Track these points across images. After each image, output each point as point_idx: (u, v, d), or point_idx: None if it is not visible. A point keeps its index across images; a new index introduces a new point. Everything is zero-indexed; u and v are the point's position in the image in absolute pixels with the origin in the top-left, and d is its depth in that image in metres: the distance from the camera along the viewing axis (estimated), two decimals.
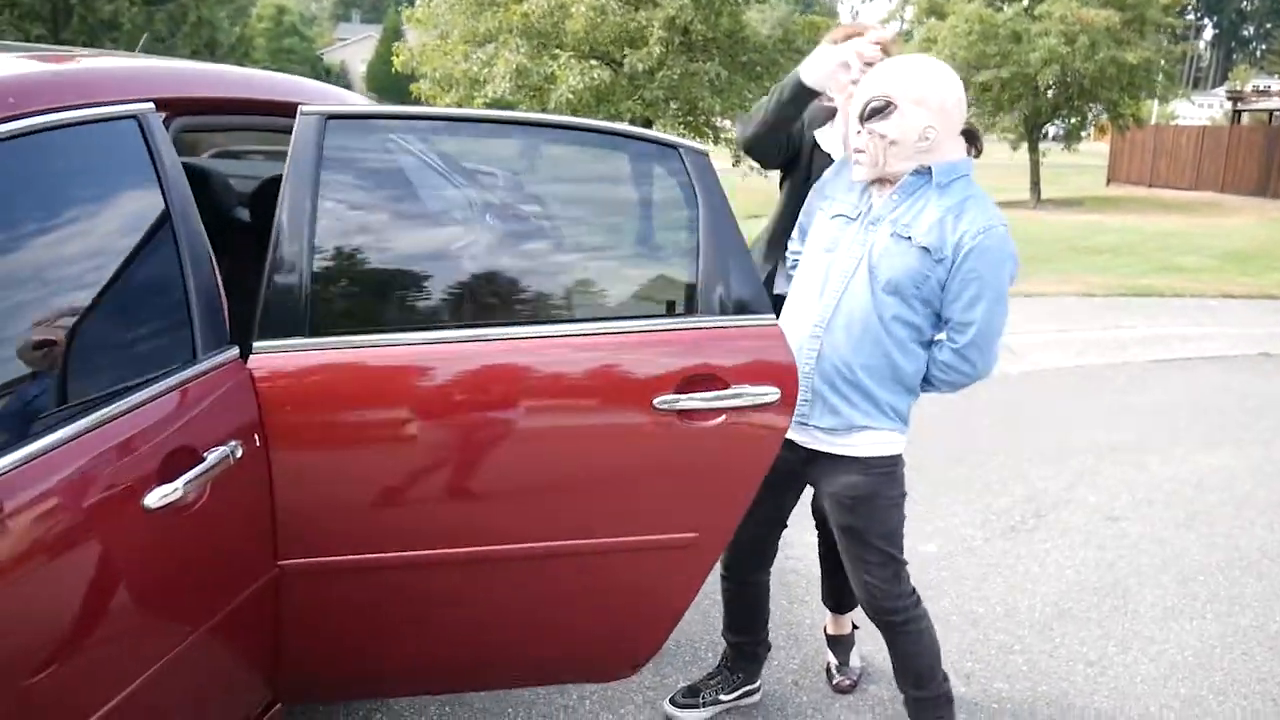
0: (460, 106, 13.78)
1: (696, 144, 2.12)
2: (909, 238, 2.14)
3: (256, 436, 1.81)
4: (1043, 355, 7.07)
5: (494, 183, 2.17)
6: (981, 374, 2.24)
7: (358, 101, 2.59)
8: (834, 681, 2.89)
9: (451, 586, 2.06)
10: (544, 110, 13.00)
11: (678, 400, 1.97)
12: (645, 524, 2.07)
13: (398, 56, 14.29)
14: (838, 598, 2.87)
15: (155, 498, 1.58)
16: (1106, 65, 19.06)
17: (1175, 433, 5.42)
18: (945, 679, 2.49)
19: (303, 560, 1.92)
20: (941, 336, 2.24)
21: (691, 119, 13.99)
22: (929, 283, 2.15)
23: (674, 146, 2.07)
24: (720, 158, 16.85)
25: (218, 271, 1.84)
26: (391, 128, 2.06)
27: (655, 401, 1.97)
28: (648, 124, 13.74)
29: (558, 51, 12.50)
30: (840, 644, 2.92)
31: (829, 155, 2.62)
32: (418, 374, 1.94)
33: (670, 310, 2.09)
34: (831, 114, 2.63)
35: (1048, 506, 4.30)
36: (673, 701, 2.74)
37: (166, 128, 1.89)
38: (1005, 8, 20.07)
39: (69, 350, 1.57)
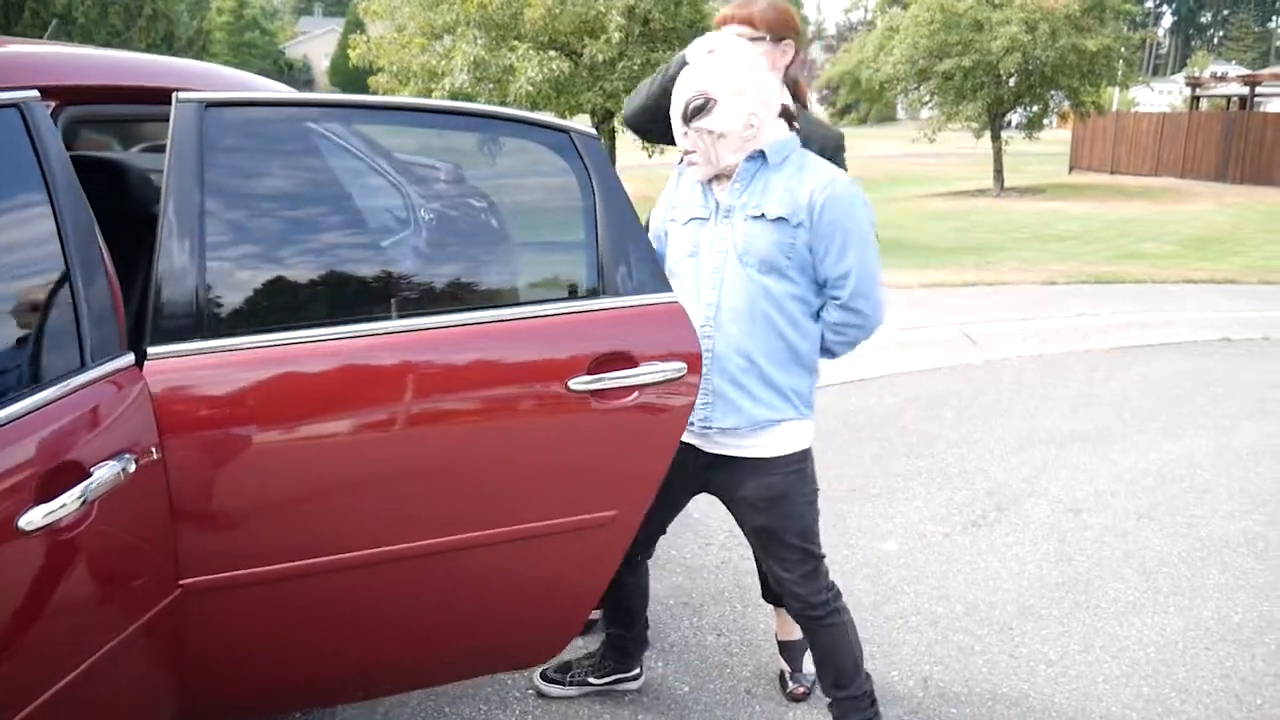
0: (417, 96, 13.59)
1: (586, 127, 2.10)
2: (762, 215, 2.20)
3: (154, 449, 1.68)
4: (1005, 344, 7.02)
5: (388, 171, 2.09)
6: (874, 324, 2.27)
7: (278, 90, 2.44)
8: (787, 690, 2.80)
9: (369, 589, 1.97)
10: (503, 102, 12.84)
11: (593, 381, 1.97)
12: (565, 507, 2.06)
13: (354, 50, 14.07)
14: (774, 591, 2.79)
15: (31, 518, 1.44)
16: (1067, 53, 19.13)
17: (1138, 421, 5.38)
18: (868, 678, 2.48)
19: (206, 578, 1.79)
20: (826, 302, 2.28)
21: None
22: (796, 250, 2.19)
23: (565, 131, 2.05)
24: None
25: (112, 274, 1.71)
26: (278, 115, 1.93)
27: (571, 384, 1.96)
28: (609, 115, 13.61)
29: (516, 43, 12.31)
30: (791, 650, 2.83)
31: None
32: (319, 372, 1.84)
33: (575, 294, 2.06)
34: None
35: (1009, 500, 4.23)
36: (543, 675, 2.78)
37: (55, 118, 1.76)
38: None
39: None
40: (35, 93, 1.67)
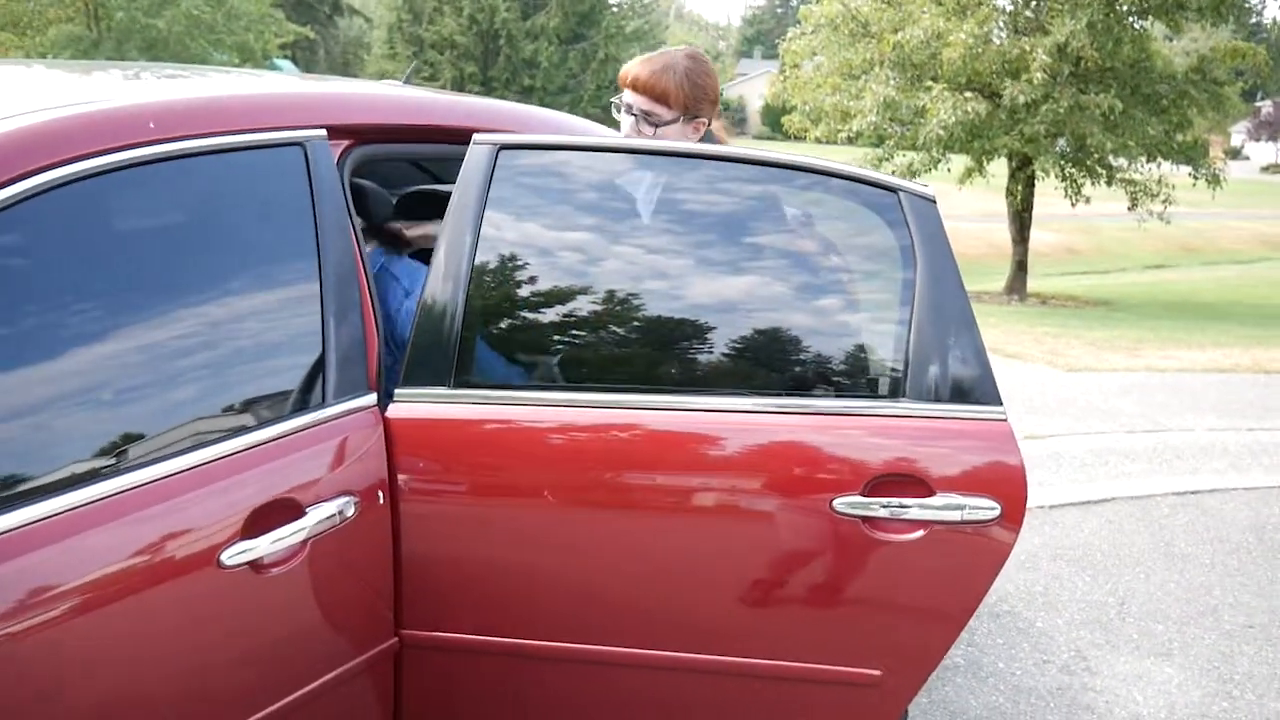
0: (824, 140, 13.52)
1: (921, 187, 1.75)
2: None
3: (381, 493, 1.65)
4: None
5: (678, 226, 1.88)
6: None
7: (604, 134, 2.37)
8: None
9: (570, 687, 1.81)
10: (913, 145, 12.40)
11: (865, 504, 1.62)
12: (811, 650, 1.73)
13: (771, 89, 14.28)
14: None
15: (233, 553, 1.45)
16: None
17: None
18: None
19: (429, 633, 1.74)
20: None
21: (1080, 156, 12.71)
22: None
23: (893, 190, 1.73)
24: (1115, 199, 15.24)
25: (370, 316, 1.71)
26: (575, 161, 1.84)
27: (836, 503, 1.62)
28: (1026, 161, 12.68)
29: (931, 84, 11.84)
30: None
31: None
32: (570, 440, 1.72)
33: (868, 390, 1.72)
34: None
35: None
36: None
37: (346, 156, 1.80)
38: None
39: (181, 381, 1.50)
40: (321, 131, 1.71)
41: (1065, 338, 9.20)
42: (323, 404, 1.62)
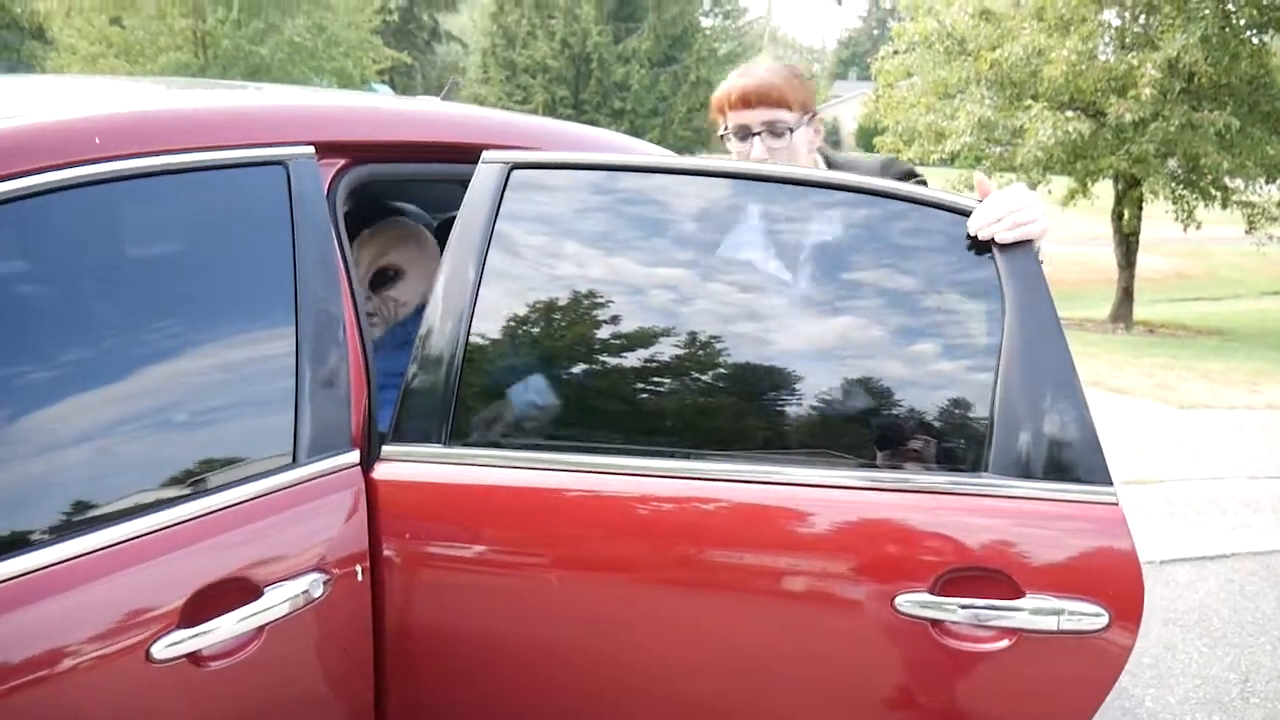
0: (918, 162, 13.05)
1: None
2: None
3: (360, 570, 1.41)
4: None
5: (716, 258, 1.59)
6: None
7: (648, 151, 2.10)
8: None
9: None
10: (1010, 167, 11.85)
11: (936, 604, 1.34)
12: None
13: (864, 109, 13.87)
14: None
15: (166, 645, 1.22)
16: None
17: None
18: None
19: None
20: None
21: (1192, 177, 12.00)
22: None
23: (969, 214, 1.44)
24: (1230, 223, 14.40)
25: (358, 359, 1.48)
26: (599, 183, 1.58)
27: (898, 601, 1.34)
28: (1134, 182, 12.01)
29: (1030, 103, 11.29)
30: None
31: None
32: (581, 511, 1.46)
33: (941, 460, 1.40)
34: None
35: None
36: None
37: (341, 177, 1.58)
38: None
39: (114, 437, 1.28)
40: (308, 149, 1.50)
41: (1176, 370, 8.60)
42: (292, 464, 1.39)
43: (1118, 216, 13.24)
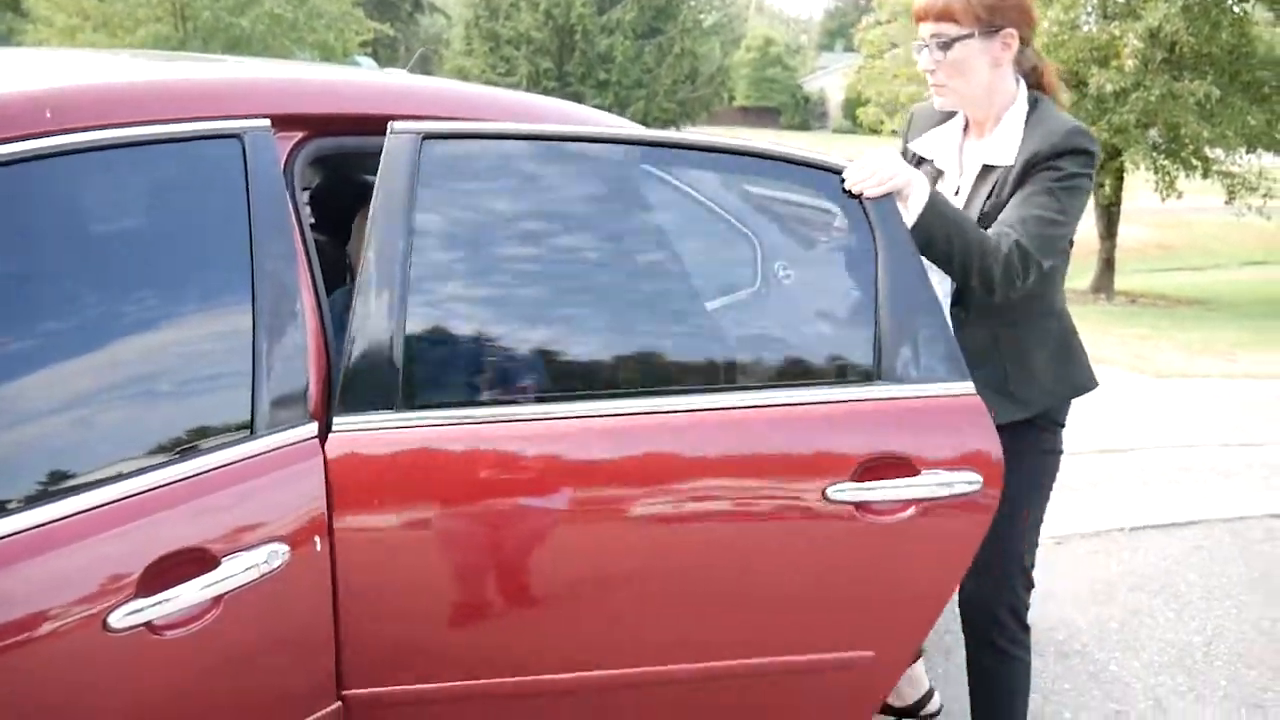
0: (896, 133, 13.04)
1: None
2: None
3: (319, 539, 1.43)
4: None
5: (624, 216, 1.70)
6: None
7: (602, 121, 2.11)
8: None
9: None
10: None
11: (858, 490, 1.60)
12: (810, 640, 1.70)
13: (847, 81, 13.88)
14: None
15: (123, 614, 1.24)
16: None
17: None
18: None
19: (376, 690, 1.52)
20: None
21: (1173, 147, 12.03)
22: None
23: (838, 172, 1.67)
24: (1211, 193, 14.46)
25: (317, 333, 1.49)
26: (506, 151, 1.61)
27: (829, 491, 1.58)
28: (1115, 153, 12.04)
29: None
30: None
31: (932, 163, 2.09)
32: (536, 457, 1.53)
33: (843, 377, 1.69)
34: (938, 119, 2.10)
35: None
36: None
37: (299, 150, 1.59)
38: None
39: (69, 409, 1.30)
40: (263, 122, 1.50)
41: (1155, 340, 8.68)
42: (250, 436, 1.41)
43: (1098, 187, 13.31)
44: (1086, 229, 15.30)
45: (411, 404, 1.49)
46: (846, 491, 1.59)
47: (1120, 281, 14.01)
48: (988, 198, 1.92)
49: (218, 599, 1.32)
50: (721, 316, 1.73)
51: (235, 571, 1.33)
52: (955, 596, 2.07)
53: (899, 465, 1.61)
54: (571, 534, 1.55)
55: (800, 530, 1.62)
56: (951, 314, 1.88)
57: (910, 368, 1.64)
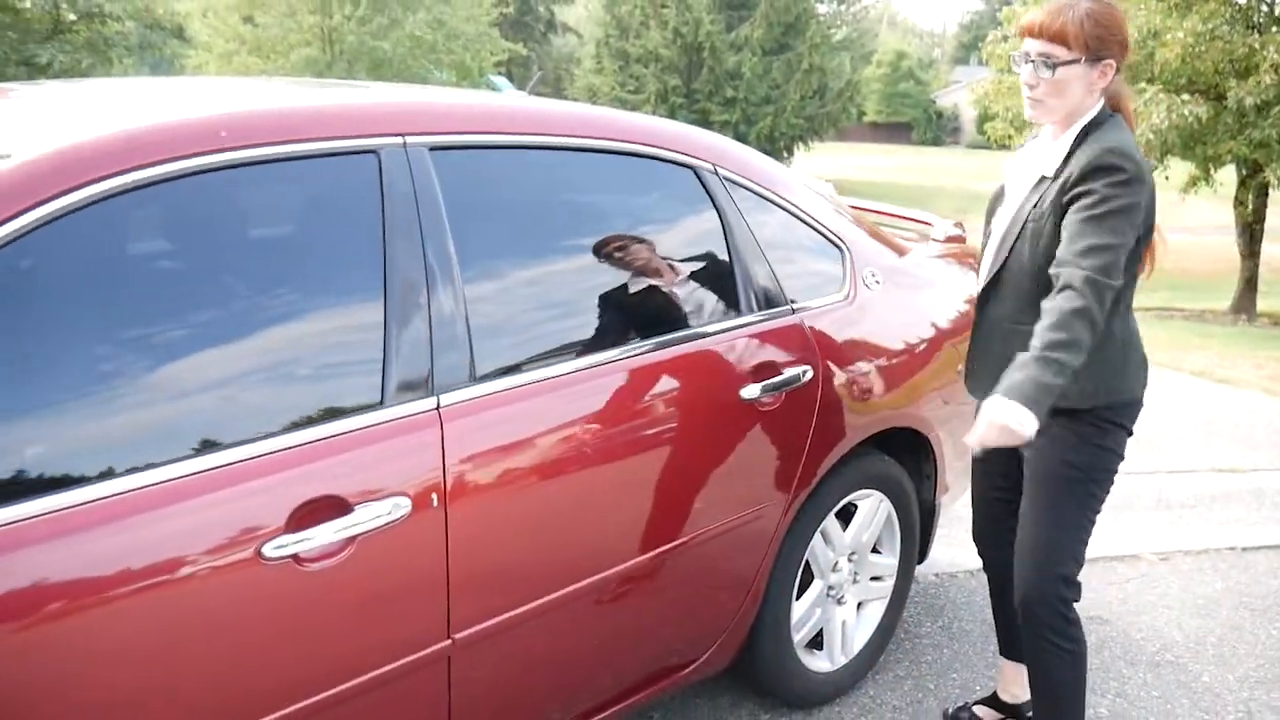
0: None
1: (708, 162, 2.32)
2: None
3: (435, 496, 1.67)
4: None
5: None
6: None
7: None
8: None
9: (593, 610, 2.04)
10: None
11: (755, 388, 2.24)
12: (734, 506, 2.27)
13: (971, 95, 13.70)
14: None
15: (276, 546, 1.50)
16: None
17: None
18: None
19: (479, 627, 1.77)
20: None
21: None
22: None
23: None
24: None
25: (456, 321, 1.76)
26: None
27: (742, 394, 2.22)
28: (1257, 169, 11.56)
29: (1145, 86, 10.98)
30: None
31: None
32: (564, 402, 1.92)
33: (729, 313, 2.29)
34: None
35: None
36: None
37: (425, 161, 1.83)
38: None
39: (238, 379, 1.57)
40: (397, 140, 1.76)
41: None
42: (380, 404, 1.66)
43: (1240, 203, 12.78)
44: (1234, 248, 14.61)
45: (480, 377, 1.79)
46: (751, 392, 2.22)
47: (1264, 304, 13.38)
48: (1034, 206, 2.10)
49: (350, 540, 1.57)
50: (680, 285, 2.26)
51: (366, 519, 1.58)
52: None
53: (774, 369, 2.29)
54: (591, 461, 1.94)
55: (731, 427, 2.23)
56: (1009, 315, 2.17)
57: (757, 301, 2.33)
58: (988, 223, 2.29)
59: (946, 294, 2.82)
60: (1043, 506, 2.16)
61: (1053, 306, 1.89)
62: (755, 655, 2.46)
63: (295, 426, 1.57)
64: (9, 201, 1.36)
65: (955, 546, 3.85)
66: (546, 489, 1.85)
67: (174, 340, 1.52)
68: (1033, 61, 2.04)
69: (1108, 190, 1.94)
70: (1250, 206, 12.64)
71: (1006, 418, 1.81)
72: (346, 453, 1.60)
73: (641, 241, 2.18)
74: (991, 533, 2.49)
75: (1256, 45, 10.13)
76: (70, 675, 1.35)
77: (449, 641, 1.73)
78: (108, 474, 1.39)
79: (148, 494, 1.41)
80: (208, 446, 1.49)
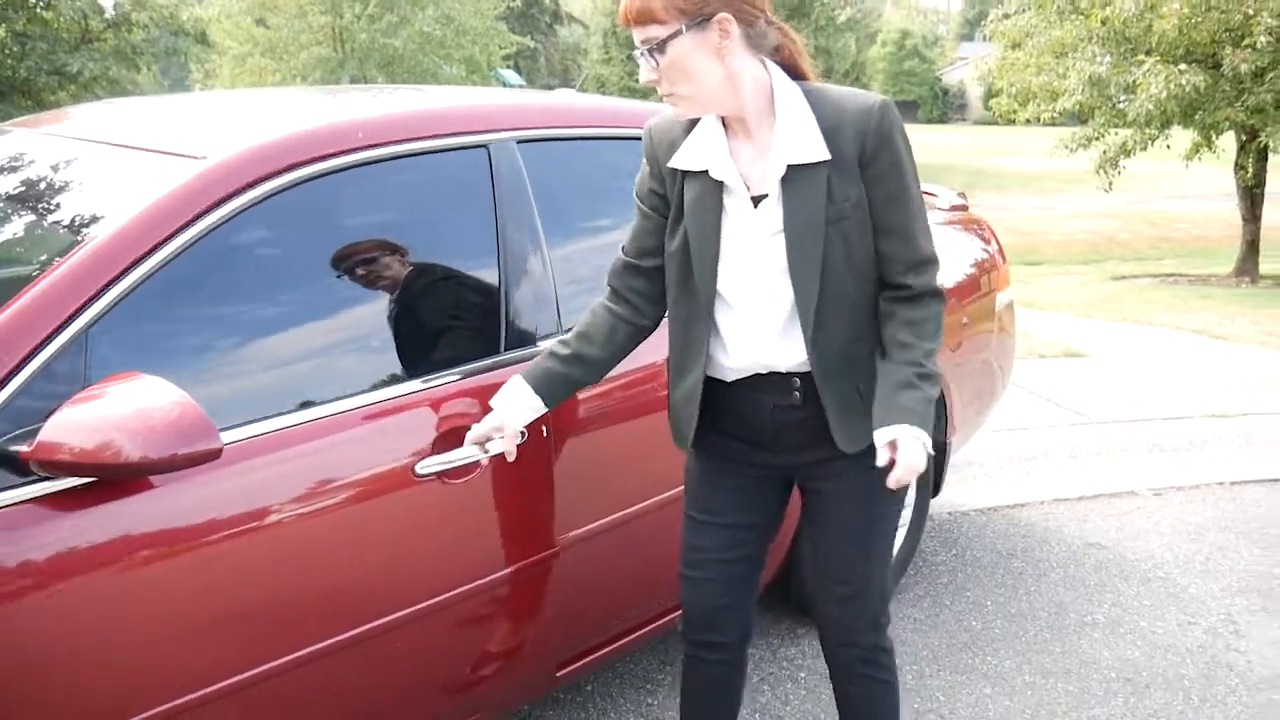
0: (1034, 121, 13.12)
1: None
2: None
3: (545, 427, 2.05)
4: None
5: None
6: None
7: None
8: None
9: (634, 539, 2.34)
10: (1124, 123, 11.87)
11: None
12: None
13: (977, 71, 14.01)
14: None
15: (426, 465, 1.91)
16: None
17: None
18: None
19: (576, 532, 2.17)
20: None
21: None
22: None
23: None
24: None
25: (548, 284, 2.18)
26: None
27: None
28: (1254, 134, 11.87)
29: (1143, 58, 11.29)
30: None
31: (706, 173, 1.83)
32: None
33: None
34: (681, 129, 1.87)
35: None
36: None
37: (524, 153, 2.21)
38: None
39: (389, 334, 1.99)
40: (504, 135, 2.16)
41: None
42: (499, 353, 2.07)
43: (1241, 168, 13.07)
44: (1229, 210, 14.82)
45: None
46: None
47: (1267, 266, 13.68)
48: (829, 200, 1.74)
49: (478, 462, 1.97)
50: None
51: (494, 446, 1.98)
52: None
53: None
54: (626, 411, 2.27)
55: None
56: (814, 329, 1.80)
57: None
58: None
59: (954, 258, 3.21)
60: (865, 539, 1.97)
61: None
62: (794, 575, 2.88)
63: (440, 368, 1.99)
64: (219, 186, 1.76)
65: (965, 488, 4.27)
66: (631, 425, 2.25)
67: (340, 302, 1.95)
68: (644, 55, 1.73)
69: (904, 142, 1.81)
70: (1250, 171, 12.93)
71: (917, 460, 1.74)
72: (477, 392, 2.01)
73: None
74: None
75: (1251, 12, 10.42)
76: (290, 559, 1.77)
77: (555, 549, 2.15)
78: (307, 404, 1.82)
79: (344, 418, 1.83)
80: (378, 385, 1.90)
